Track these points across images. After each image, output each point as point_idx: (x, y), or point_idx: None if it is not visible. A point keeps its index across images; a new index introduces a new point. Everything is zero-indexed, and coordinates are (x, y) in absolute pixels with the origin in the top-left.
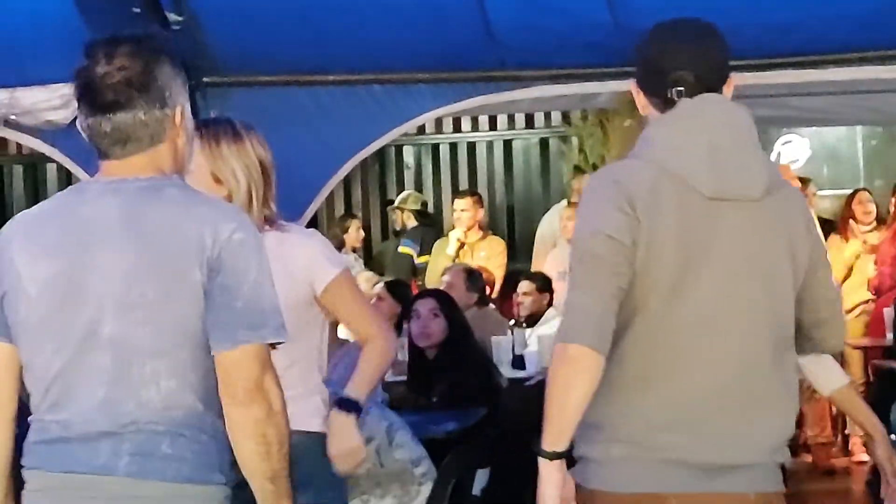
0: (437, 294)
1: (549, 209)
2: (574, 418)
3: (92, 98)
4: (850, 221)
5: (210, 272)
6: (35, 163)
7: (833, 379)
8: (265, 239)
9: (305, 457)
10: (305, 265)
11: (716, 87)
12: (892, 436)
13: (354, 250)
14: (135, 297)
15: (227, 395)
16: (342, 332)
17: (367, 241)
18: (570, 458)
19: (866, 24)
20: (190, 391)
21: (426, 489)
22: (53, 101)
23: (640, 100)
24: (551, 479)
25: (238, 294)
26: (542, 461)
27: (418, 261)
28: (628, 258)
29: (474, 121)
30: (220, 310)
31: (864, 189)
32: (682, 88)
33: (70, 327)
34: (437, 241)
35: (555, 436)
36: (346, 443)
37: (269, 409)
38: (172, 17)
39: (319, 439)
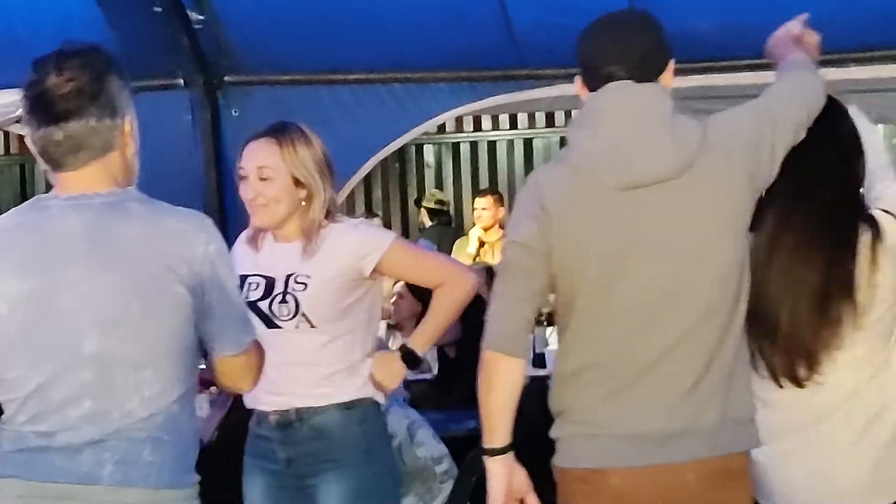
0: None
1: None
2: (499, 416)
3: (44, 109)
4: None
5: (196, 286)
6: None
7: None
8: (328, 232)
9: (367, 417)
10: (355, 247)
11: (649, 77)
12: None
13: None
14: (117, 314)
15: (231, 383)
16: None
17: None
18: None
19: (874, 24)
20: (170, 396)
21: (447, 487)
22: None
23: (585, 95)
24: (495, 474)
25: (233, 303)
26: (485, 458)
27: None
28: (542, 263)
29: (494, 119)
30: (223, 320)
31: None
32: (615, 83)
33: (47, 344)
34: (458, 240)
35: (487, 434)
36: (392, 368)
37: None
38: (194, 16)
39: (366, 407)
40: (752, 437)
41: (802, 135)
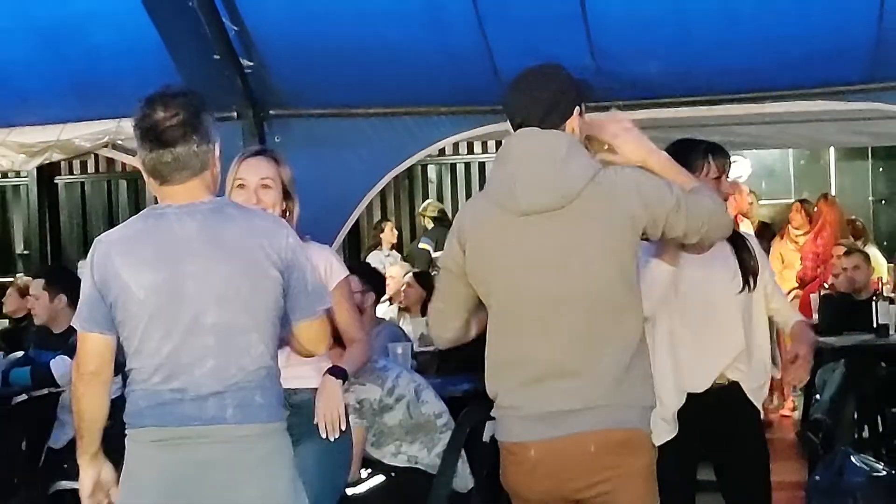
0: None
1: None
2: None
3: (155, 136)
4: (788, 226)
5: (284, 270)
6: (136, 178)
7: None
8: (306, 247)
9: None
10: (325, 266)
11: (554, 124)
12: (817, 395)
13: (392, 247)
14: (230, 293)
15: (310, 346)
16: (380, 311)
17: (399, 240)
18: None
19: (796, 68)
20: (270, 353)
21: (446, 436)
22: None
23: None
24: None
25: (307, 281)
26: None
27: (434, 255)
28: (461, 281)
29: (484, 145)
30: (300, 295)
31: (802, 200)
32: (523, 129)
33: (175, 320)
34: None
35: None
36: (332, 400)
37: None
38: (245, 62)
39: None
40: (644, 419)
41: (691, 240)
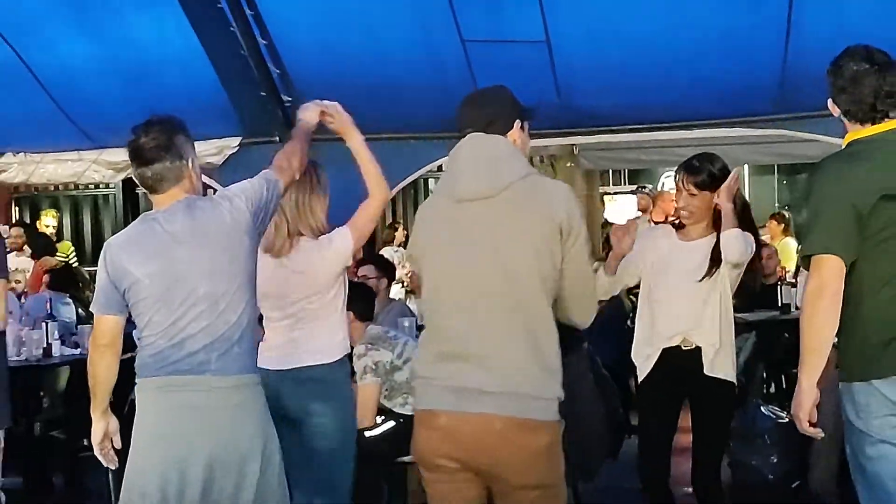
0: None
1: None
2: None
3: (138, 156)
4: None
5: (252, 229)
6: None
7: None
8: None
9: (331, 378)
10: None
11: (497, 132)
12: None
13: (401, 244)
14: (217, 268)
15: None
16: (392, 293)
17: (406, 237)
18: None
19: (718, 103)
20: (248, 311)
21: None
22: (211, 150)
23: None
24: None
25: (265, 193)
26: None
27: None
28: (418, 266)
29: None
30: (269, 208)
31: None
32: (469, 135)
33: (175, 296)
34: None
35: None
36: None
37: None
38: (285, 98)
39: (340, 366)
40: (548, 409)
41: (564, 289)
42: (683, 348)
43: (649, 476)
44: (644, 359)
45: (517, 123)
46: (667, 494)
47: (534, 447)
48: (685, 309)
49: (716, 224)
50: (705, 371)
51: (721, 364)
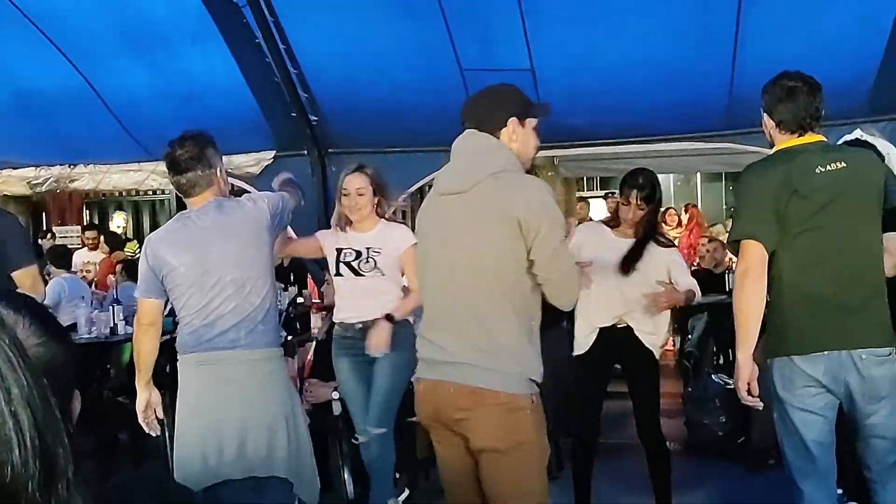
0: None
1: None
2: None
3: (174, 166)
4: (662, 224)
5: (271, 228)
6: (239, 194)
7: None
8: (384, 225)
9: (404, 333)
10: (399, 235)
11: (490, 129)
12: (689, 336)
13: None
14: (243, 258)
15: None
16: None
17: None
18: None
19: (675, 120)
20: (270, 294)
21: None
22: (250, 161)
23: None
24: None
25: (281, 204)
26: None
27: None
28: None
29: None
30: (285, 218)
31: (672, 207)
32: (466, 130)
33: (207, 283)
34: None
35: None
36: (380, 336)
37: None
38: (313, 118)
39: (404, 322)
40: (507, 381)
41: (540, 278)
42: (618, 327)
43: (584, 432)
44: (584, 337)
45: (512, 121)
46: (594, 446)
47: (481, 412)
48: (617, 297)
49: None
50: (638, 344)
51: (651, 341)
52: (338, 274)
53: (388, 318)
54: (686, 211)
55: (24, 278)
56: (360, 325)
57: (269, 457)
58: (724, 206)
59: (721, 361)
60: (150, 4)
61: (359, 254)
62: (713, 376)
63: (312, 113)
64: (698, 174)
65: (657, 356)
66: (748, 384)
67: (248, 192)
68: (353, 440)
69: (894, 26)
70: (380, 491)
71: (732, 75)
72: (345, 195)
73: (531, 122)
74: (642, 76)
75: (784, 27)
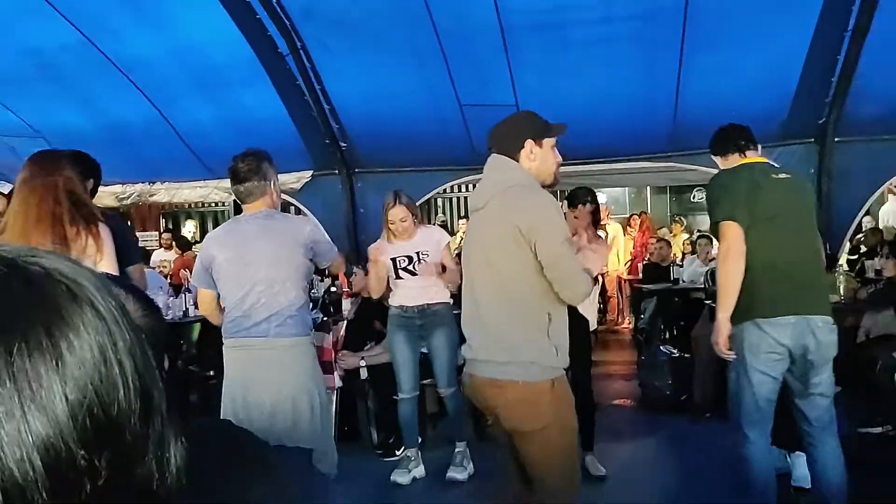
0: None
1: None
2: None
3: (235, 176)
4: (627, 227)
5: (307, 246)
6: (285, 208)
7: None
8: (422, 230)
9: (450, 314)
10: (439, 237)
11: (509, 152)
12: (642, 315)
13: None
14: (274, 259)
15: (336, 270)
16: None
17: None
18: None
19: (629, 142)
20: (300, 294)
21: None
22: (292, 179)
23: None
24: None
25: (324, 250)
26: None
27: None
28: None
29: (466, 187)
30: (322, 255)
31: (634, 214)
32: (492, 155)
33: (244, 277)
34: (451, 238)
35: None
36: (431, 269)
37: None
38: (342, 144)
39: (449, 305)
40: (525, 371)
41: (549, 276)
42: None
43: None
44: None
45: (529, 142)
46: None
47: (502, 401)
48: None
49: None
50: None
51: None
52: (398, 277)
53: (441, 267)
54: (639, 217)
55: (135, 272)
56: (417, 308)
57: (293, 428)
58: (669, 214)
59: (667, 336)
60: (213, 54)
61: (410, 259)
62: (661, 347)
63: (342, 140)
64: (648, 188)
65: (592, 326)
66: (722, 341)
67: (293, 204)
68: (393, 398)
69: (803, 70)
70: (457, 431)
71: (676, 108)
72: (391, 224)
73: (549, 141)
74: (603, 109)
75: (716, 70)
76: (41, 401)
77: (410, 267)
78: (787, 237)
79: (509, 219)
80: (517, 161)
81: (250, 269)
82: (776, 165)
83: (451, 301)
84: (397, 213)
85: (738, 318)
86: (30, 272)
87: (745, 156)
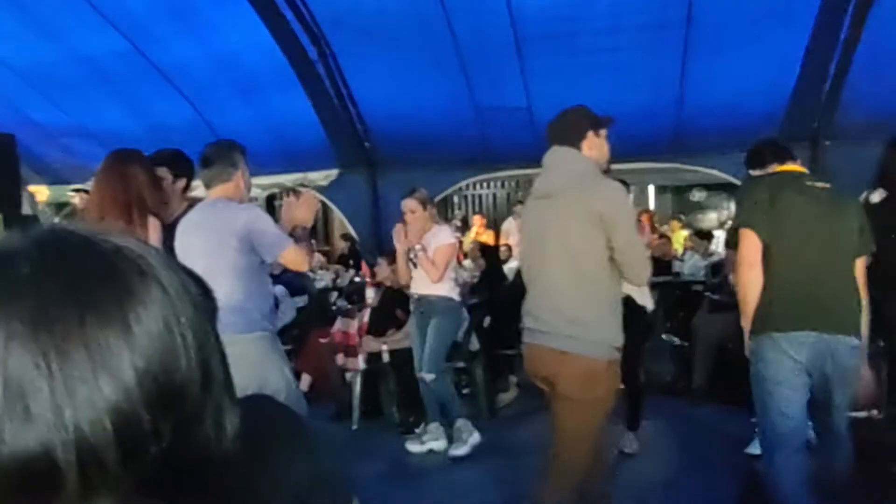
0: (482, 247)
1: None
2: None
3: (202, 162)
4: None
5: (241, 239)
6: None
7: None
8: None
9: (446, 306)
10: (443, 235)
11: (571, 144)
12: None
13: None
14: (207, 251)
15: (293, 266)
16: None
17: None
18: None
19: (633, 145)
20: (233, 289)
21: (466, 323)
22: (320, 177)
23: None
24: None
25: (264, 241)
26: None
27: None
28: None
29: (481, 185)
30: (262, 247)
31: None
32: (554, 146)
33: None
34: (467, 231)
35: None
36: (400, 235)
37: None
38: (366, 144)
39: (443, 299)
40: (586, 345)
41: (618, 259)
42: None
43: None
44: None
45: (590, 133)
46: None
47: (566, 369)
48: None
49: None
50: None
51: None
52: (414, 266)
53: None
54: (645, 213)
55: None
56: (418, 296)
57: None
58: (671, 212)
59: (668, 325)
60: (249, 60)
61: (415, 252)
62: (664, 336)
63: (366, 140)
64: (650, 187)
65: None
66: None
67: (322, 200)
68: (415, 378)
69: (798, 78)
70: (448, 413)
71: (678, 111)
72: (403, 213)
73: (602, 132)
74: (610, 112)
75: (716, 77)
76: (111, 368)
77: (413, 258)
78: (813, 250)
79: (591, 205)
80: (580, 151)
81: (189, 262)
82: (812, 176)
83: (452, 295)
84: (407, 204)
85: (755, 329)
86: (103, 249)
87: (783, 165)
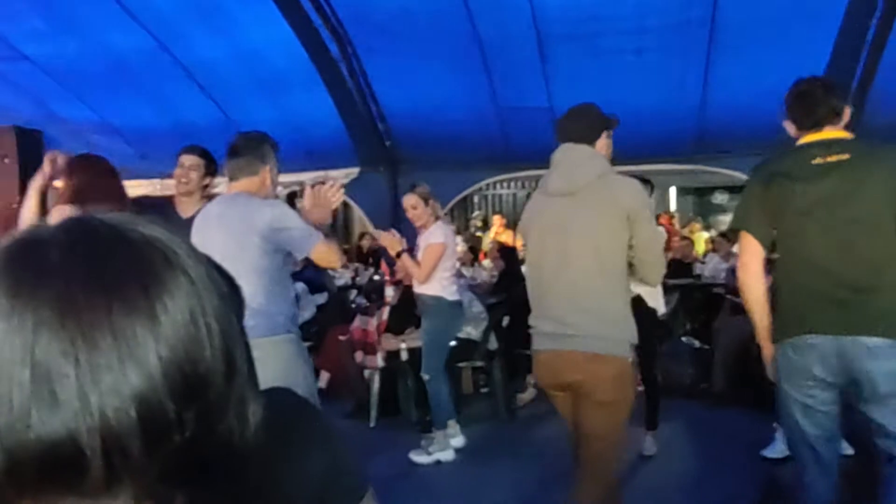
0: (501, 247)
1: None
2: None
3: (229, 152)
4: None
5: (263, 237)
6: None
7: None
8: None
9: (436, 306)
10: (443, 236)
11: (586, 142)
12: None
13: (457, 233)
14: (226, 250)
15: (323, 263)
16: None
17: (458, 231)
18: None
19: (655, 147)
20: (256, 290)
21: (485, 323)
22: (341, 175)
23: None
24: None
25: (293, 237)
26: None
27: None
28: (524, 238)
29: (502, 184)
30: (293, 242)
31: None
32: (565, 143)
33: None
34: (486, 231)
35: None
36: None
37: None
38: (387, 142)
39: (439, 300)
40: (615, 345)
41: (637, 257)
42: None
43: None
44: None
45: (604, 133)
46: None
47: (599, 373)
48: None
49: None
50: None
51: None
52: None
53: (402, 253)
54: (666, 215)
55: None
56: (417, 295)
57: None
58: (691, 214)
59: (688, 327)
60: (274, 59)
61: (404, 251)
62: (683, 338)
63: (387, 139)
64: (673, 188)
65: (661, 311)
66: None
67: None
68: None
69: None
70: (437, 416)
71: (700, 113)
72: (405, 210)
73: (610, 131)
74: (634, 114)
75: (740, 78)
76: (137, 356)
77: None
78: (827, 235)
79: (618, 201)
80: (594, 149)
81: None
82: (834, 144)
83: (443, 294)
84: (407, 200)
85: (775, 339)
86: (131, 238)
87: (820, 131)
